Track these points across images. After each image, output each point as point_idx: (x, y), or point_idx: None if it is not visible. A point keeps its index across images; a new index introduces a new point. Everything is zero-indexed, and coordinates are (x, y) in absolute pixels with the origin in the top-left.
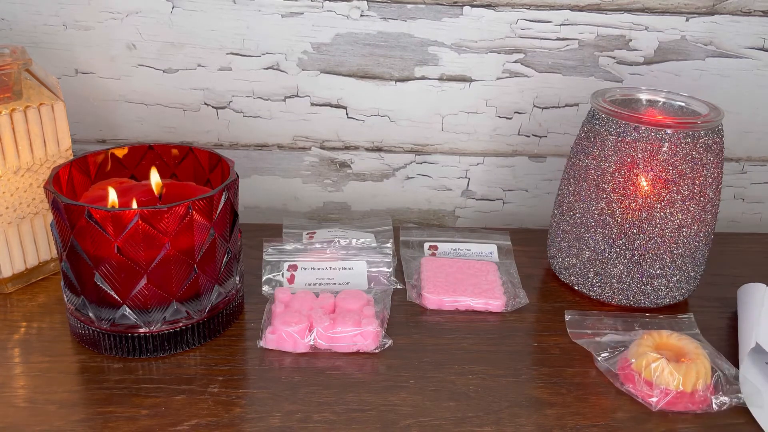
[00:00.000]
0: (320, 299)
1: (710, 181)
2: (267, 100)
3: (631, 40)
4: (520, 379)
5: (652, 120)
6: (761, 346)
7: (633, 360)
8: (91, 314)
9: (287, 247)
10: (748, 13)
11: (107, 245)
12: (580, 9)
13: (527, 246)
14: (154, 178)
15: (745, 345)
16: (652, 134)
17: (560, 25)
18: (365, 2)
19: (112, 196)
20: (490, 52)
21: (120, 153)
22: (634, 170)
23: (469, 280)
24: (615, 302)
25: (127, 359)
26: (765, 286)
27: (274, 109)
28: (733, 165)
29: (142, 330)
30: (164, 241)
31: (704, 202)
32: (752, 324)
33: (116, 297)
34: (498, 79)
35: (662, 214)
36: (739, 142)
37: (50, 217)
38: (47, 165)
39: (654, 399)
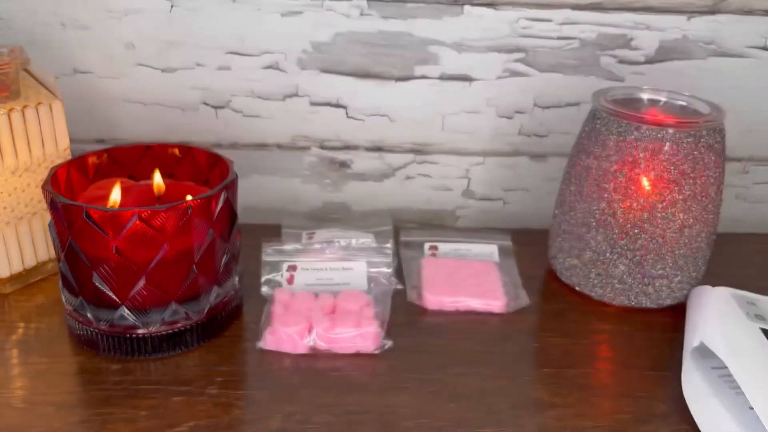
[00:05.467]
0: (320, 300)
1: (712, 181)
2: (266, 99)
3: (632, 40)
4: (522, 380)
5: (653, 119)
6: (706, 346)
7: None
8: (89, 315)
9: (287, 247)
10: (750, 13)
11: (105, 246)
12: (582, 8)
13: (528, 246)
14: (157, 180)
15: (689, 345)
16: (654, 134)
17: (561, 25)
18: (365, 1)
19: (115, 195)
20: (490, 51)
21: (118, 153)
22: (636, 170)
23: (470, 281)
24: (617, 303)
25: (126, 360)
26: (711, 287)
27: (274, 109)
28: (735, 165)
29: (140, 331)
30: (163, 242)
31: (706, 202)
32: (696, 325)
33: (115, 298)
34: (499, 78)
35: (664, 214)
36: (741, 142)
37: (48, 217)
38: (45, 165)
39: None
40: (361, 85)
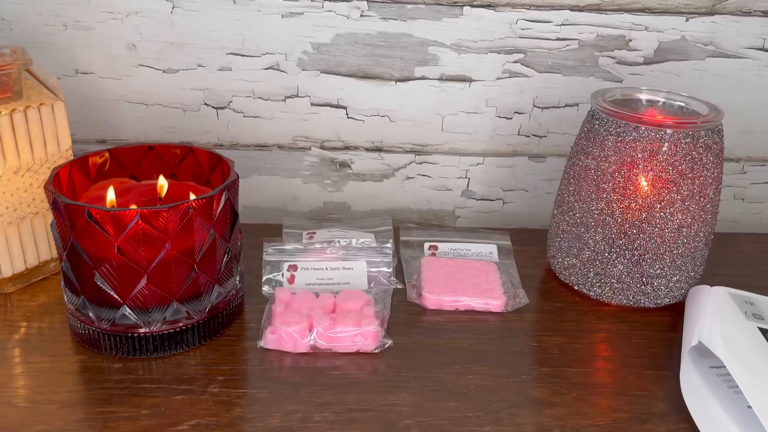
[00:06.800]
0: (320, 299)
1: (710, 181)
2: (267, 100)
3: (631, 40)
4: (521, 378)
5: (652, 120)
6: (704, 345)
7: None
8: (91, 314)
9: (287, 247)
10: (748, 14)
11: (107, 245)
12: (580, 9)
13: (527, 246)
14: (160, 182)
15: (687, 344)
16: (652, 134)
17: (560, 26)
18: (365, 2)
19: (110, 196)
20: (490, 52)
21: (120, 153)
22: (634, 170)
23: (469, 280)
24: (615, 302)
25: (127, 359)
26: (709, 287)
27: (274, 109)
28: (733, 165)
29: (142, 330)
30: (164, 241)
31: (704, 202)
32: (694, 324)
33: (116, 297)
34: (498, 79)
35: (662, 214)
36: (739, 142)
37: (50, 217)
38: (47, 165)
39: None
40: (361, 86)
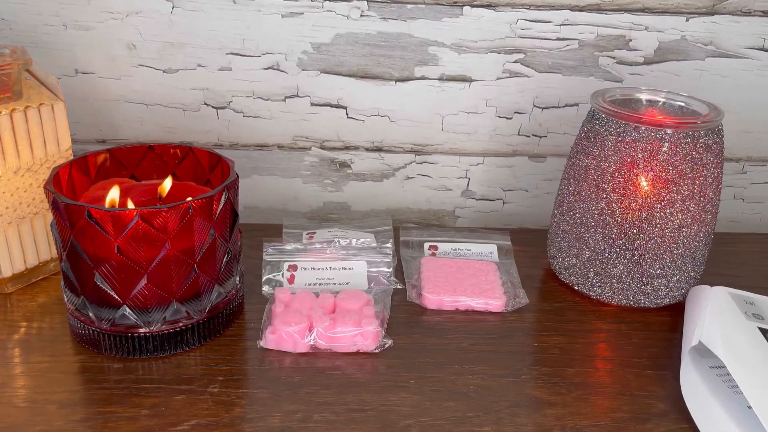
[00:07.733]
0: (320, 299)
1: (710, 181)
2: (267, 100)
3: (631, 40)
4: (520, 378)
5: (652, 120)
6: (704, 345)
7: None
8: (91, 314)
9: (287, 247)
10: (748, 14)
11: (107, 245)
12: (580, 9)
13: (527, 246)
14: (167, 184)
15: (687, 344)
16: (652, 134)
17: (560, 25)
18: (365, 2)
19: (113, 194)
20: (490, 52)
21: (120, 153)
22: (634, 170)
23: (469, 280)
24: (615, 302)
25: (127, 359)
26: (709, 287)
27: (274, 109)
28: (733, 165)
29: (142, 330)
30: (164, 241)
31: (704, 202)
32: (694, 324)
33: (116, 297)
34: (498, 79)
35: (662, 214)
36: (739, 142)
37: (50, 217)
38: (47, 165)
39: None
40: (361, 86)
